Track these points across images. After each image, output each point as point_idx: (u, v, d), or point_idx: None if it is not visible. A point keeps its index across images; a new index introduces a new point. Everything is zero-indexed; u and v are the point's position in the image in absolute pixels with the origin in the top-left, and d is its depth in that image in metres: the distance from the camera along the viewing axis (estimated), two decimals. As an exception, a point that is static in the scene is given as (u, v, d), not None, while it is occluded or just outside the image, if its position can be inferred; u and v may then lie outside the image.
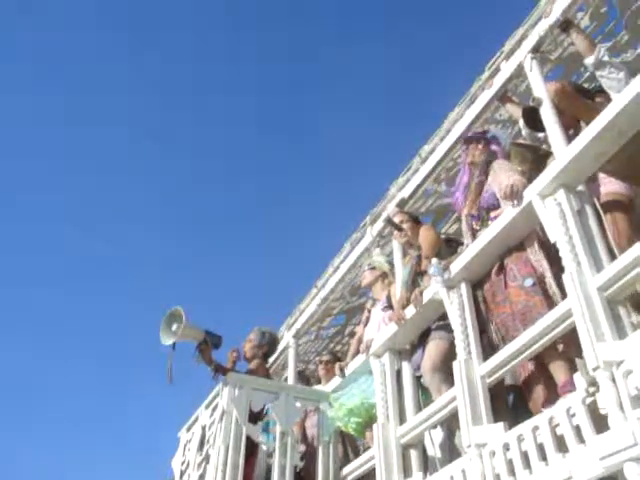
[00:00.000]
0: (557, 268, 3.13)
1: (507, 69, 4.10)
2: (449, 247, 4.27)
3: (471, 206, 3.93)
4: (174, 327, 4.38)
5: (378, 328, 4.61)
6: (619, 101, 2.89)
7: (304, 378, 6.36)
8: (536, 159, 3.59)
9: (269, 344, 5.23)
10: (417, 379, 4.10)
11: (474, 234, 3.81)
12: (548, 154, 3.47)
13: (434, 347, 3.90)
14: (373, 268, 5.17)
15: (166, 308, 4.50)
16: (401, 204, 5.19)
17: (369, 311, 5.16)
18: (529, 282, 3.31)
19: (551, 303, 3.15)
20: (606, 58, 3.41)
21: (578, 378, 2.69)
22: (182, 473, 4.60)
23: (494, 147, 4.06)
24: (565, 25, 3.65)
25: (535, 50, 3.83)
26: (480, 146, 4.08)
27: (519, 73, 4.05)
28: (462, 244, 4.11)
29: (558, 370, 3.13)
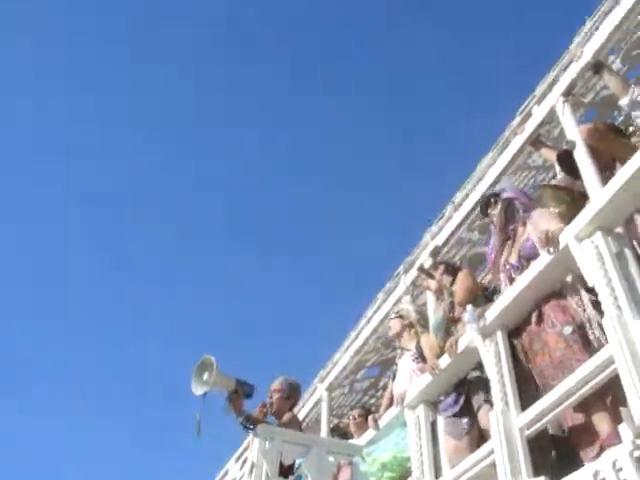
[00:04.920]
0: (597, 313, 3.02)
1: (539, 113, 4.06)
2: (486, 298, 4.15)
3: (509, 253, 3.84)
4: (205, 376, 4.30)
5: (409, 379, 4.48)
6: (656, 140, 2.82)
7: (341, 432, 6.18)
8: (573, 201, 3.50)
9: (296, 395, 5.11)
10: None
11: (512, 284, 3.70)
12: (586, 195, 3.39)
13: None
14: (400, 316, 5.05)
15: (195, 357, 4.43)
16: (435, 252, 5.13)
17: (396, 364, 5.04)
18: (568, 330, 3.19)
19: (591, 351, 3.01)
20: (641, 98, 3.35)
21: (624, 429, 2.55)
22: (212, 528, 4.47)
23: (506, 195, 4.02)
24: (597, 67, 3.60)
25: (567, 93, 3.79)
26: (495, 205, 4.06)
27: (551, 117, 4.01)
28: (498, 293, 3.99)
29: (602, 420, 2.97)
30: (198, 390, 4.29)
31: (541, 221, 3.63)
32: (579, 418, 3.14)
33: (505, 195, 4.08)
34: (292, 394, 5.04)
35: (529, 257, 3.67)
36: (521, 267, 3.71)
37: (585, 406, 3.03)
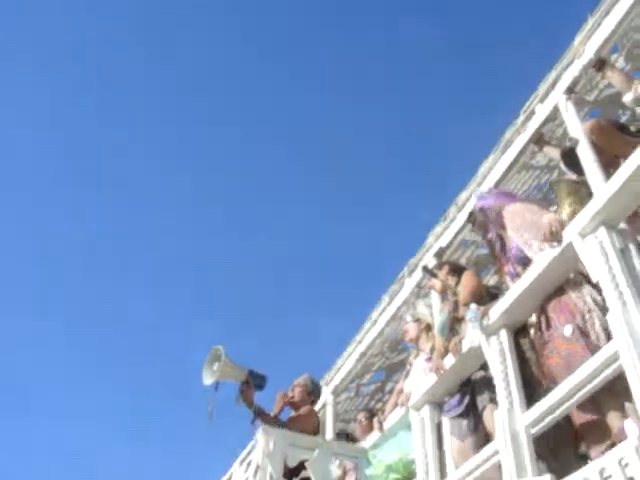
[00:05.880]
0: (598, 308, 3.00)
1: (542, 112, 4.04)
2: (491, 297, 4.11)
3: (504, 264, 3.84)
4: (215, 366, 4.28)
5: (421, 379, 4.44)
6: (659, 134, 2.80)
7: (347, 437, 6.10)
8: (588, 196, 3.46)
9: (317, 393, 5.06)
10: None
11: None
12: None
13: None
14: (417, 320, 4.97)
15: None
16: (439, 254, 5.09)
17: (410, 364, 4.98)
18: (568, 329, 3.15)
19: (595, 348, 2.98)
20: (645, 94, 3.32)
21: (629, 425, 2.52)
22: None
23: (475, 207, 4.07)
24: (599, 64, 3.59)
25: (570, 91, 3.77)
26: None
27: (554, 116, 3.99)
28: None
29: (613, 416, 2.93)
30: (208, 380, 4.27)
31: (524, 216, 3.61)
32: (588, 415, 3.10)
33: (473, 208, 4.09)
34: (314, 391, 4.99)
35: (519, 262, 3.65)
36: (517, 273, 3.69)
37: (594, 403, 3.00)
